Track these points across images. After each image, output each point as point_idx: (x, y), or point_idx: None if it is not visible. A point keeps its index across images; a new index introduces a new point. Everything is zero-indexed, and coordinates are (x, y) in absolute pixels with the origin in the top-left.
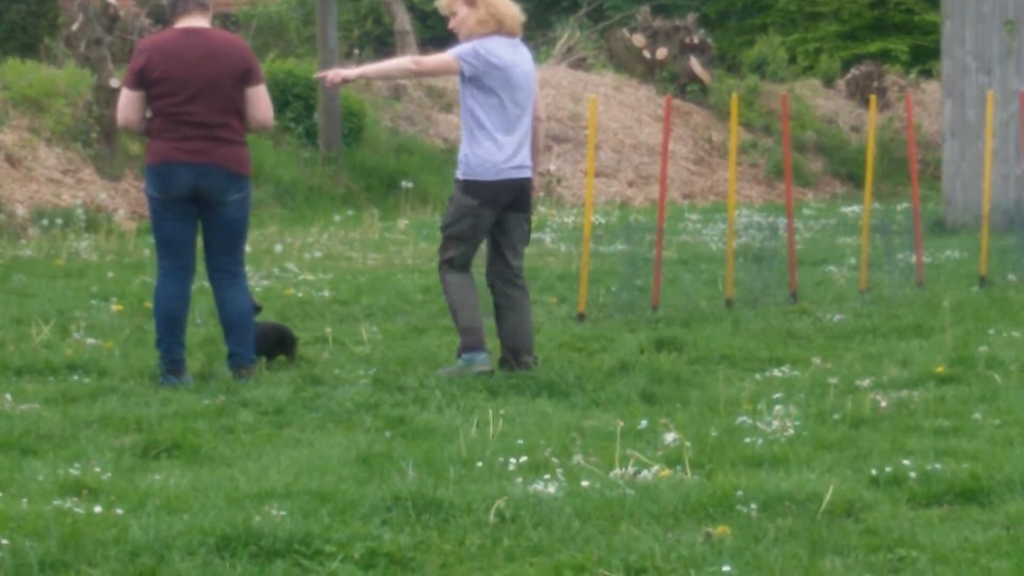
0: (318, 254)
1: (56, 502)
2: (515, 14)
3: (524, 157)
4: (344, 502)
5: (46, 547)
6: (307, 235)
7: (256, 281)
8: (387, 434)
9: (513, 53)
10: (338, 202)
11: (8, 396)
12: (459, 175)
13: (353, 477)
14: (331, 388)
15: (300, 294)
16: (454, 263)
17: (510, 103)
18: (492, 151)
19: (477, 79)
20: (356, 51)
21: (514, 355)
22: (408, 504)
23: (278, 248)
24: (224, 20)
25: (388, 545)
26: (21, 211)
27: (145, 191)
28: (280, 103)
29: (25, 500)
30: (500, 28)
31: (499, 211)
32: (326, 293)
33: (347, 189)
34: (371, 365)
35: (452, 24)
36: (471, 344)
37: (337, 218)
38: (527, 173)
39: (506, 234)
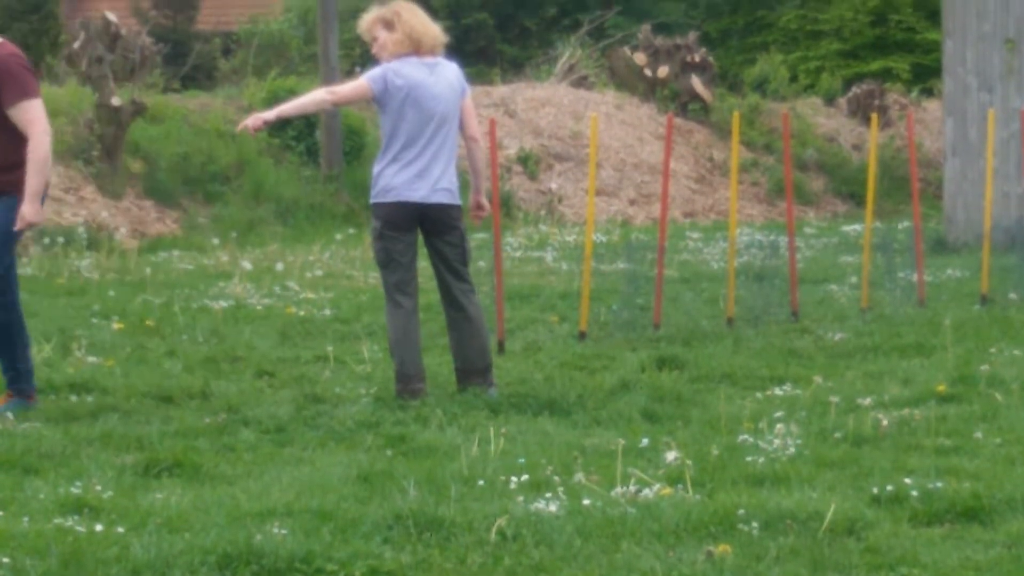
0: (319, 272)
1: (57, 520)
2: (434, 34)
3: (435, 181)
4: (345, 520)
5: (47, 566)
6: (308, 253)
7: (257, 300)
8: (388, 452)
9: (428, 74)
10: (339, 220)
11: (9, 414)
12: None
13: (354, 495)
14: (332, 406)
15: (301, 312)
16: (389, 291)
17: (417, 125)
18: (391, 174)
19: (382, 101)
20: (358, 69)
21: (459, 375)
22: (409, 522)
23: (279, 266)
24: (225, 38)
25: (389, 563)
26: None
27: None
28: (282, 121)
29: (26, 518)
30: (418, 49)
31: (411, 234)
32: (327, 312)
33: (348, 207)
34: (372, 384)
35: (374, 49)
36: (398, 391)
37: (338, 236)
38: (439, 198)
39: (436, 257)
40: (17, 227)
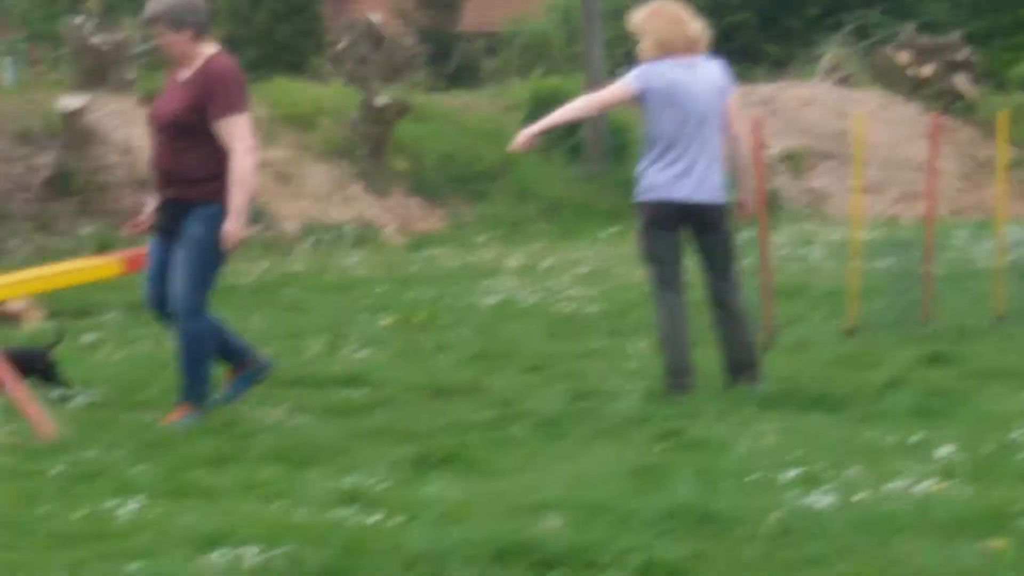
0: (585, 269)
1: (334, 512)
2: (686, 34)
3: (698, 180)
4: (619, 514)
5: (325, 556)
6: (574, 250)
7: (525, 296)
8: (659, 447)
9: (685, 73)
10: (604, 218)
11: (283, 408)
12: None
13: (626, 489)
14: (602, 402)
15: (569, 309)
16: (656, 288)
17: (677, 124)
18: (654, 173)
19: (643, 100)
20: (621, 68)
21: (727, 371)
22: (682, 516)
23: (546, 263)
24: (488, 38)
25: (663, 557)
26: (291, 227)
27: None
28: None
29: (303, 509)
30: (670, 50)
31: (675, 232)
32: (594, 308)
33: (613, 205)
34: (641, 379)
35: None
36: (667, 386)
37: (603, 234)
38: (702, 197)
39: (701, 254)
40: (223, 246)
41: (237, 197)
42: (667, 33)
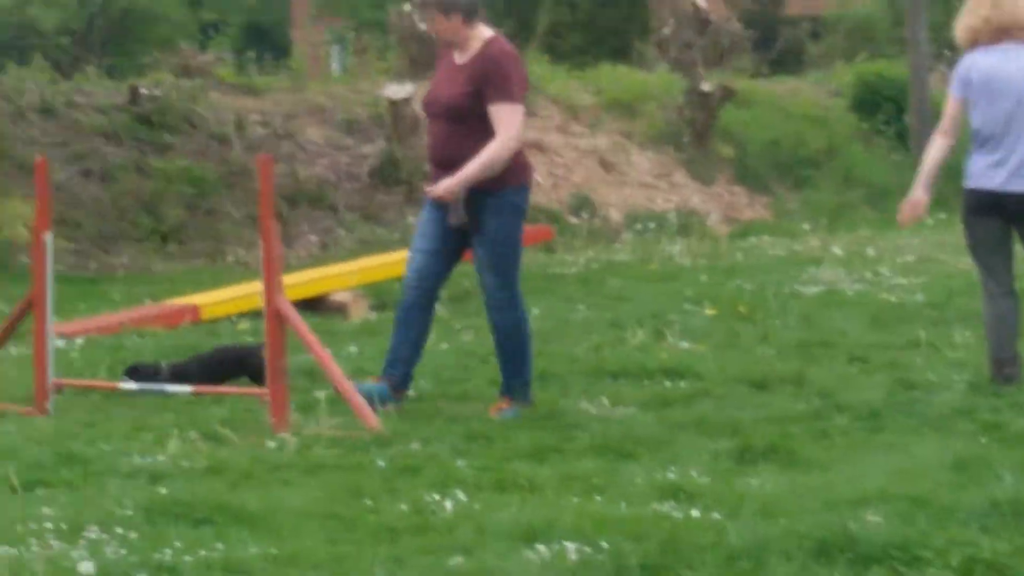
0: (910, 257)
1: (654, 505)
2: (996, 22)
3: (1014, 169)
4: (940, 508)
5: (645, 550)
6: (898, 238)
7: (848, 285)
8: (983, 439)
9: (1000, 60)
10: (931, 205)
11: (605, 400)
12: None
13: (949, 482)
14: (925, 393)
15: (893, 298)
16: (981, 276)
17: (991, 113)
18: (974, 161)
19: (966, 97)
20: (947, 52)
21: (991, 364)
22: (1006, 510)
23: (870, 251)
24: (814, 22)
25: (986, 552)
26: (615, 215)
27: (520, 209)
28: (870, 105)
29: (623, 503)
30: (978, 37)
31: (992, 220)
32: (919, 297)
33: (938, 192)
34: (965, 369)
35: None
36: (992, 376)
37: (929, 221)
38: (1016, 187)
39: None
40: (430, 192)
41: (473, 167)
42: (974, 21)
